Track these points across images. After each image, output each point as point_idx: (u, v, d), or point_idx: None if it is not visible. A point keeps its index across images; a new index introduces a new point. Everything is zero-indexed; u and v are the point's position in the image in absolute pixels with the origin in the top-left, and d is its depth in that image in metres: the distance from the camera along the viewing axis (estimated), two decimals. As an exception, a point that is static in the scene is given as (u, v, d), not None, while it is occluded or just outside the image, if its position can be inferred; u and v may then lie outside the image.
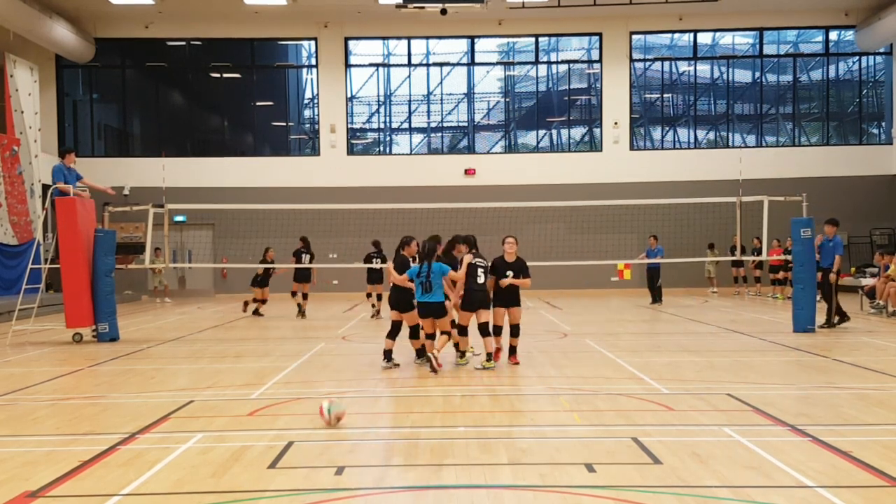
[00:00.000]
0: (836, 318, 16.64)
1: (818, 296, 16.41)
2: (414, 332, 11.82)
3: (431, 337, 11.50)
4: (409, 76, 31.68)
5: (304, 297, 20.98)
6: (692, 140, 32.03)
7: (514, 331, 11.65)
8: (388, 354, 11.73)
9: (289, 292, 21.32)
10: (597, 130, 31.24)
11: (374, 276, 20.39)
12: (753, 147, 31.24)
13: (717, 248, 27.76)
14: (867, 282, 21.24)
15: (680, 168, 30.05)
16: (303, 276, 20.76)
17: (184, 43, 31.51)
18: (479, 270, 11.66)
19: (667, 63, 32.09)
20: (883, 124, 31.75)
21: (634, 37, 31.06)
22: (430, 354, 11.20)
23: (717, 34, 31.96)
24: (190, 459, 6.88)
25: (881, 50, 30.92)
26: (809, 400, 9.25)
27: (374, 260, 20.14)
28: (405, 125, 32.22)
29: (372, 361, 12.38)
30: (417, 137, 32.35)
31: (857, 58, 31.75)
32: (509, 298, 11.68)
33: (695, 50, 31.69)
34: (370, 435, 7.90)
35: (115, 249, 16.32)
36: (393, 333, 11.84)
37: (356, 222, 25.67)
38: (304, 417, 8.62)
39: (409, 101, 31.88)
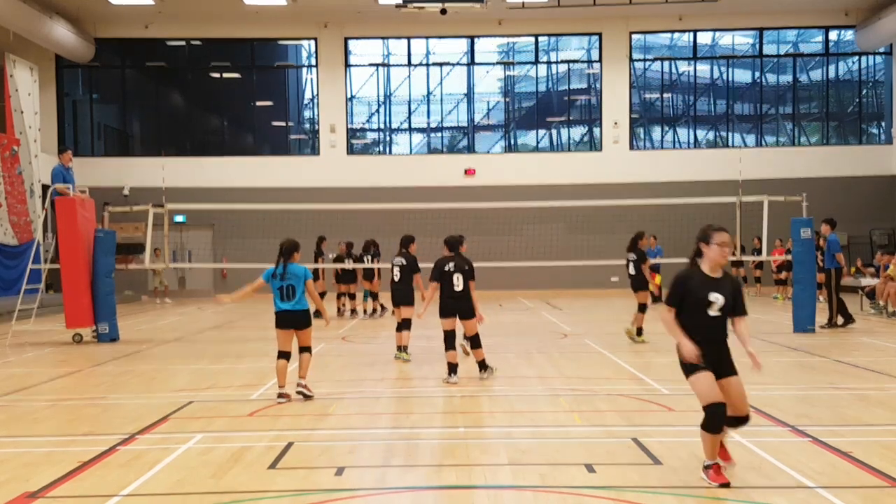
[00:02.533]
0: (841, 320, 16.61)
1: (822, 296, 16.43)
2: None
3: (285, 356, 9.52)
4: (408, 76, 31.66)
5: (353, 296, 21.32)
6: (692, 140, 32.04)
7: (741, 420, 6.30)
8: (453, 368, 10.63)
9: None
10: (596, 130, 31.24)
11: (348, 276, 21.01)
12: (753, 147, 31.24)
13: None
14: (867, 282, 21.24)
15: (680, 168, 30.02)
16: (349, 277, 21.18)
17: (184, 43, 31.50)
18: (396, 269, 12.54)
19: (666, 63, 32.08)
20: (883, 124, 31.74)
21: (634, 37, 31.04)
22: (298, 386, 9.46)
23: (717, 34, 31.95)
24: (190, 460, 6.88)
25: (881, 50, 30.91)
26: (809, 400, 9.25)
27: (346, 260, 20.69)
28: (405, 125, 32.21)
29: (372, 362, 12.38)
30: (417, 137, 32.34)
31: (857, 58, 31.74)
32: (722, 354, 6.34)
33: (694, 50, 31.68)
34: (370, 435, 7.90)
35: (114, 250, 16.32)
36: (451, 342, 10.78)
37: (356, 222, 25.64)
38: (305, 418, 8.62)
39: (409, 101, 31.87)
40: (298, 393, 9.42)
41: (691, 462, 6.59)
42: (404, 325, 12.61)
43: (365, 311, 20.89)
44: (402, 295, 12.70)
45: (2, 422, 8.65)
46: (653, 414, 8.54)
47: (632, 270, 14.76)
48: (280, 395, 9.36)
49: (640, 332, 14.62)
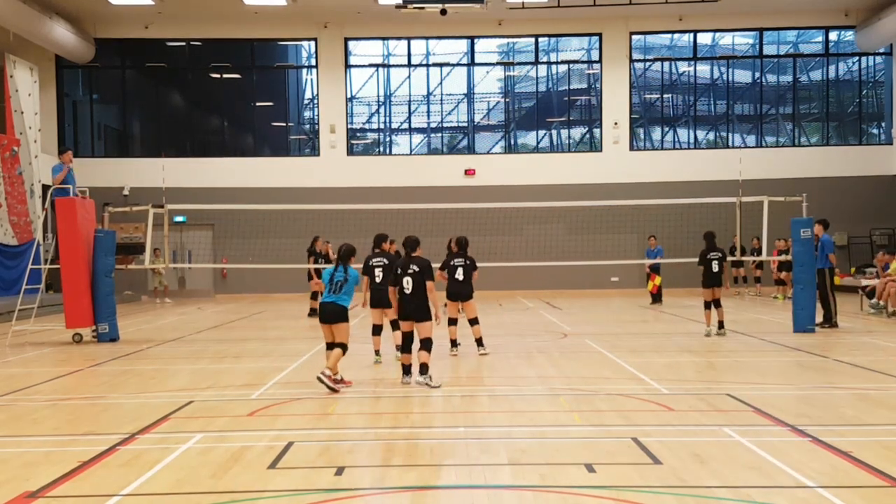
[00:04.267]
0: (819, 318, 16.59)
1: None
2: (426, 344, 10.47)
3: (329, 346, 10.03)
4: (408, 76, 31.67)
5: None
6: (692, 140, 32.03)
7: None
8: (406, 369, 10.55)
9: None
10: (597, 131, 31.23)
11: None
12: (753, 147, 31.23)
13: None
14: (867, 282, 21.23)
15: (680, 168, 30.02)
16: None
17: (183, 43, 31.50)
18: (377, 270, 11.95)
19: (666, 63, 32.08)
20: (883, 124, 31.74)
21: (634, 37, 31.04)
22: (325, 374, 9.79)
23: (717, 34, 31.96)
24: (190, 460, 6.88)
25: (881, 50, 30.91)
26: (809, 400, 9.25)
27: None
28: (405, 125, 32.21)
29: (372, 362, 12.37)
30: (417, 138, 32.34)
31: (857, 58, 31.74)
32: None
33: (694, 50, 31.68)
34: (370, 435, 7.90)
35: (114, 250, 16.32)
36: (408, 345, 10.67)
37: (356, 223, 25.60)
38: (304, 418, 8.62)
39: (409, 101, 31.87)
40: (319, 380, 9.72)
41: (691, 462, 6.58)
42: (396, 325, 12.35)
43: None
44: (388, 297, 11.91)
45: (2, 421, 8.65)
46: (653, 413, 8.54)
47: (715, 268, 15.43)
48: (335, 382, 9.83)
49: (721, 325, 15.45)
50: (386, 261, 12.10)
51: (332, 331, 9.95)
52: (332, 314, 9.93)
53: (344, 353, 9.90)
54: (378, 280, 12.03)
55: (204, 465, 6.71)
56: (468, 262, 13.06)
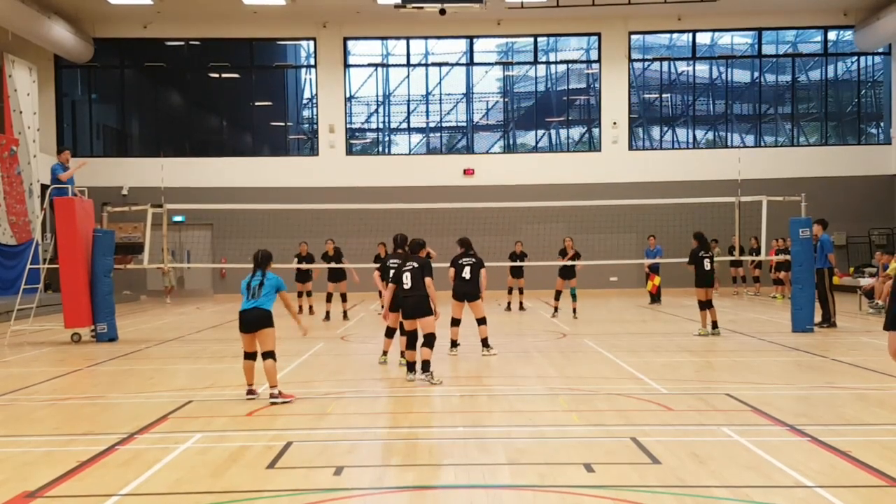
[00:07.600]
0: (819, 318, 16.61)
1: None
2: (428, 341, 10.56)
3: (250, 356, 9.43)
4: (407, 76, 31.67)
5: (343, 297, 20.64)
6: (691, 140, 32.04)
7: None
8: (411, 367, 10.68)
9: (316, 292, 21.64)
10: (595, 130, 31.24)
11: (304, 276, 21.18)
12: (752, 147, 31.25)
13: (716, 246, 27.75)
14: (866, 281, 21.22)
15: (678, 168, 30.03)
16: (337, 276, 20.53)
17: (182, 43, 31.48)
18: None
19: (665, 63, 32.09)
20: (881, 124, 31.75)
21: (633, 37, 31.04)
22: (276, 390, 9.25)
23: (716, 34, 31.97)
24: (189, 459, 6.88)
25: (880, 50, 30.92)
26: (808, 400, 9.25)
27: (303, 262, 20.64)
28: (404, 125, 32.21)
29: (371, 362, 12.37)
30: (416, 137, 32.34)
31: (856, 58, 31.75)
32: None
33: (693, 50, 31.69)
34: (369, 435, 7.89)
35: (113, 250, 16.32)
36: (412, 342, 10.82)
37: (355, 222, 25.63)
38: (303, 417, 8.62)
39: (408, 101, 31.87)
40: (272, 403, 9.12)
41: (690, 462, 6.59)
42: (389, 332, 12.28)
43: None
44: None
45: (0, 421, 8.65)
46: (651, 413, 8.54)
47: (707, 267, 15.55)
48: (248, 392, 9.45)
49: (714, 325, 15.58)
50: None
51: (255, 339, 9.27)
52: (255, 320, 9.20)
53: (274, 361, 9.23)
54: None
55: (203, 464, 6.71)
56: (475, 260, 13.07)
